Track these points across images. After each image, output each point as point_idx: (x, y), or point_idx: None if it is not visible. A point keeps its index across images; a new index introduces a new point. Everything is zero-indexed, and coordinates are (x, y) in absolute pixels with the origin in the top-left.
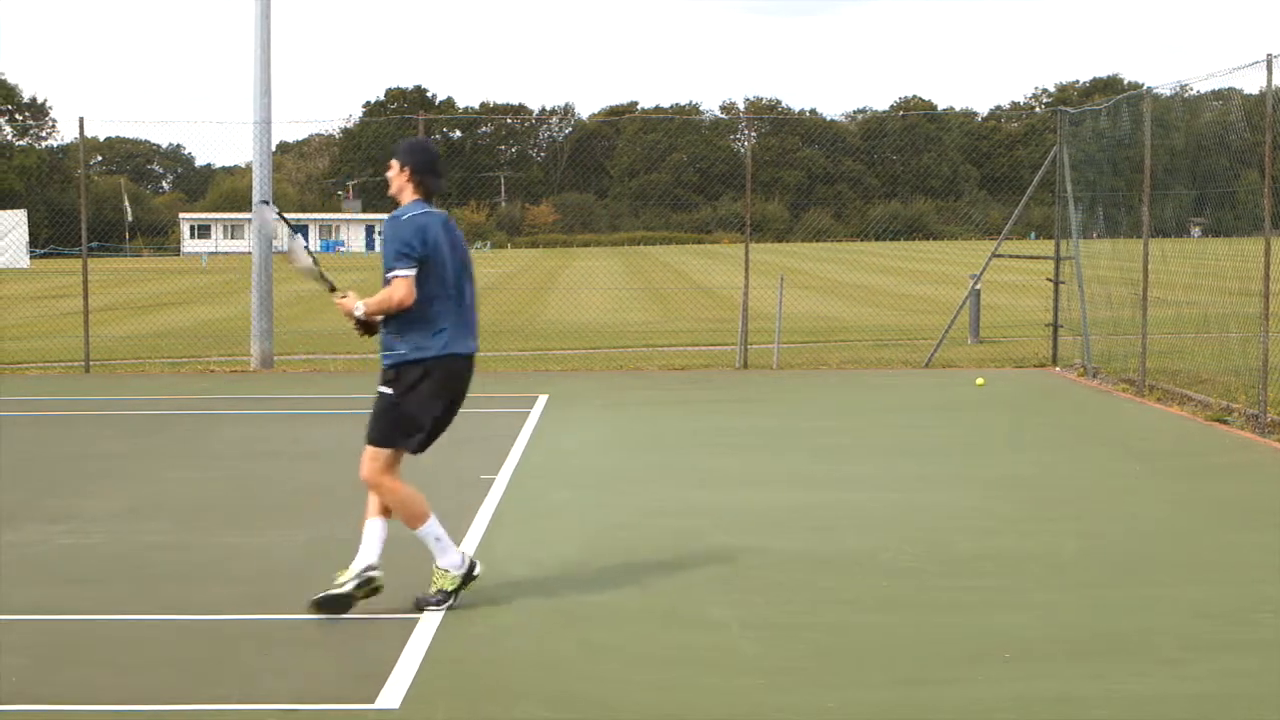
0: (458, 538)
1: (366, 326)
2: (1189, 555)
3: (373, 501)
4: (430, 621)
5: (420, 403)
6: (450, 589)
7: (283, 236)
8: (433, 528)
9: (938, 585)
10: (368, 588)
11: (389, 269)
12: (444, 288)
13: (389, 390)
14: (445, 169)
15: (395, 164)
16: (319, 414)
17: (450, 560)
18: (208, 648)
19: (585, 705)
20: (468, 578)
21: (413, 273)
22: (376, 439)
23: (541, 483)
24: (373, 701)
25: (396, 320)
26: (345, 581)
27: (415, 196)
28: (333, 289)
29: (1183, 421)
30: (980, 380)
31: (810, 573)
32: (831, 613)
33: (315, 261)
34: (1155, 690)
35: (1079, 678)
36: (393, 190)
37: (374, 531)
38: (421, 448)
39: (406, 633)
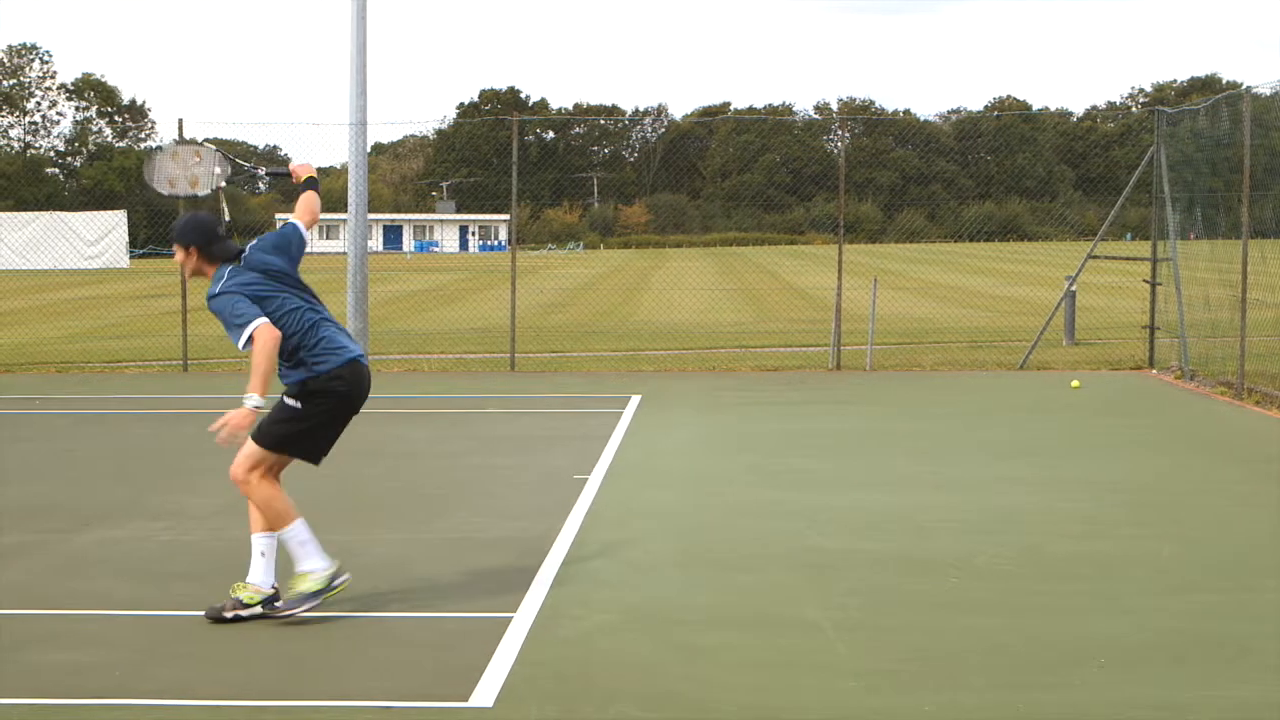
0: (551, 536)
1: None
2: None
3: (254, 516)
4: (523, 621)
5: (289, 429)
6: (315, 589)
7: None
8: (294, 530)
9: (1034, 589)
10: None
11: (238, 334)
12: (303, 319)
13: (283, 401)
14: (221, 233)
15: (179, 249)
16: (413, 413)
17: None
18: (303, 645)
19: (679, 706)
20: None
21: (259, 320)
22: (258, 438)
23: (634, 483)
24: (466, 700)
25: (282, 365)
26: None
27: (214, 267)
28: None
29: None
30: (1076, 383)
31: (905, 575)
32: (927, 616)
33: (227, 164)
34: (1256, 697)
35: (1178, 684)
36: (189, 274)
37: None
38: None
39: (499, 632)
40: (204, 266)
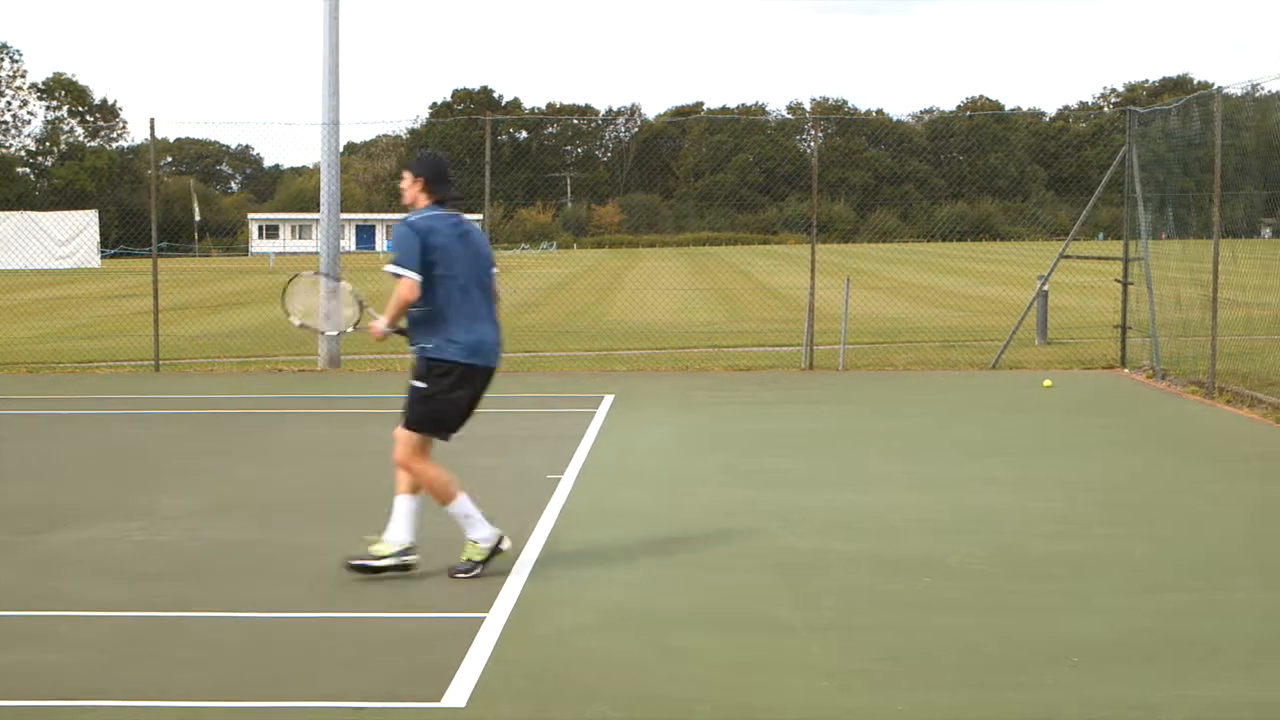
0: (524, 536)
1: (393, 334)
2: (1260, 559)
3: (402, 478)
4: (497, 621)
5: (446, 398)
6: (479, 559)
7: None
8: (462, 505)
9: (1007, 588)
10: (402, 571)
11: (390, 266)
12: (455, 289)
13: (420, 384)
14: (455, 178)
15: (408, 175)
16: (387, 413)
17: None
18: (276, 645)
19: (653, 706)
20: (494, 551)
21: (409, 272)
22: (410, 423)
23: (608, 483)
24: (439, 700)
25: (415, 318)
26: (385, 557)
27: (427, 202)
28: (358, 324)
29: (1253, 424)
30: (1048, 382)
31: (878, 575)
32: (900, 615)
33: (358, 309)
34: (1227, 696)
35: (1150, 683)
36: (407, 200)
37: (405, 507)
38: (447, 436)
39: (473, 632)
40: (420, 199)
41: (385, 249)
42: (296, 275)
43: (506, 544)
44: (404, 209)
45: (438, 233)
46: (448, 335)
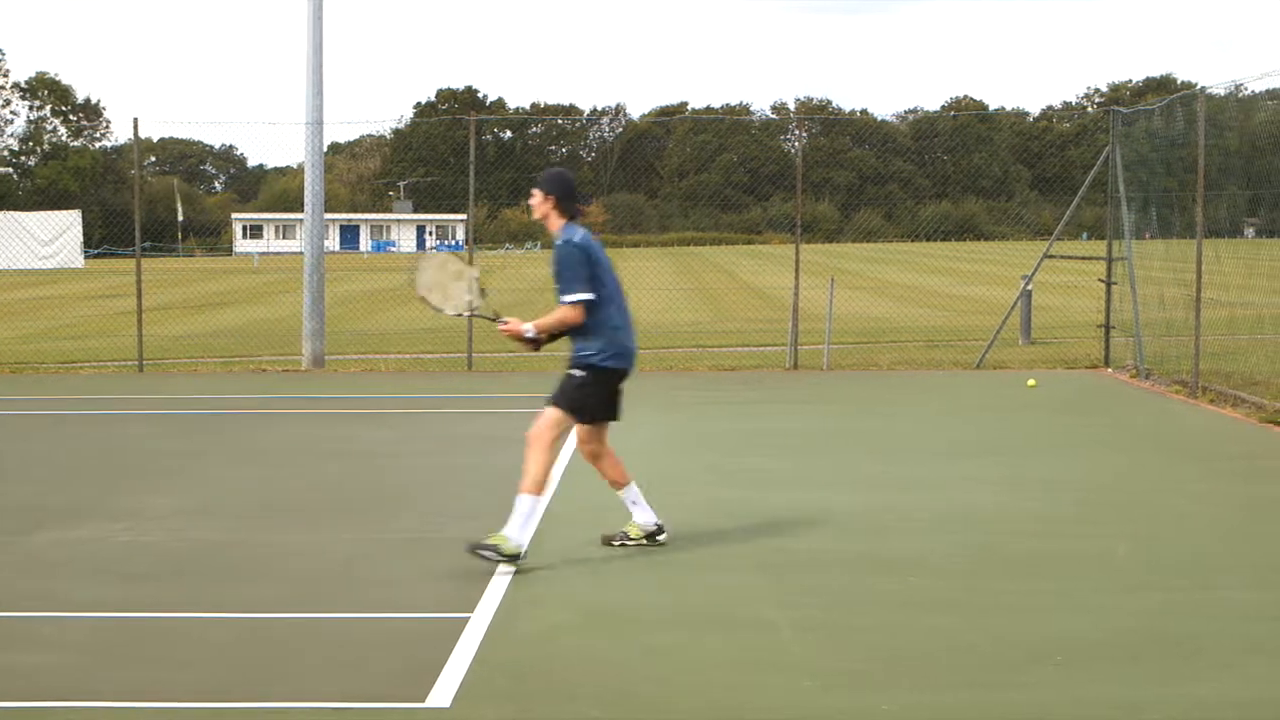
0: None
1: (535, 343)
2: (1244, 558)
3: (611, 469)
4: (481, 621)
5: (597, 394)
6: (505, 554)
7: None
8: (540, 504)
9: (991, 588)
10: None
11: (563, 294)
12: (610, 300)
13: (579, 373)
14: (576, 195)
15: (538, 193)
16: (370, 414)
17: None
18: (260, 646)
19: (637, 706)
20: (517, 557)
21: (584, 295)
22: (559, 404)
23: (592, 482)
24: (423, 700)
25: (577, 331)
26: (635, 538)
27: (563, 221)
28: (496, 318)
29: (1236, 424)
30: (1032, 381)
31: (863, 574)
32: (885, 615)
33: (479, 295)
34: (1212, 694)
35: (1135, 682)
36: (537, 216)
37: (632, 495)
38: (587, 420)
39: (457, 632)
40: (552, 215)
41: (370, 249)
42: (431, 252)
43: (525, 558)
44: (387, 209)
45: (594, 248)
46: (607, 343)
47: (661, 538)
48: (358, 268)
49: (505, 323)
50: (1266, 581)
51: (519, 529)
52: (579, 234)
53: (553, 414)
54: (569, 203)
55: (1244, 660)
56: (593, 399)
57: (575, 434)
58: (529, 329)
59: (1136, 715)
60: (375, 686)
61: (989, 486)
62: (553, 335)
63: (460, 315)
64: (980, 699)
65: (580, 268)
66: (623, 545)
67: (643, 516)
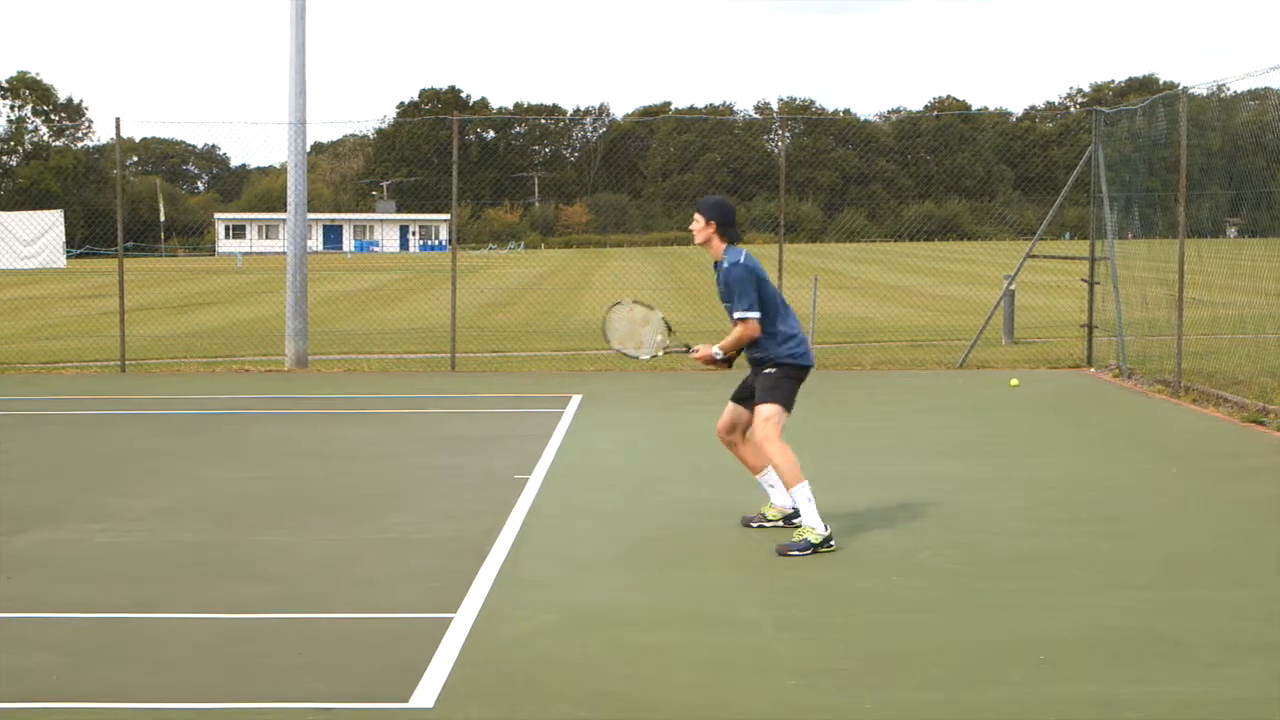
0: (491, 537)
1: (727, 362)
2: (1226, 557)
3: (751, 456)
4: (464, 621)
5: (794, 387)
6: (815, 542)
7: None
8: (809, 487)
9: (974, 586)
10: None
11: (740, 311)
12: (781, 308)
13: (775, 370)
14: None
15: (700, 219)
16: (353, 414)
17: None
18: (242, 646)
19: (620, 706)
20: (825, 542)
21: (755, 314)
22: (771, 401)
23: (575, 483)
24: (407, 700)
25: (761, 341)
26: (815, 544)
27: (724, 244)
28: (687, 349)
29: (1218, 423)
30: (1015, 381)
31: (846, 573)
32: (867, 614)
33: (667, 334)
34: (1194, 693)
35: (1117, 680)
36: (699, 240)
37: (770, 479)
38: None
39: (440, 632)
40: (714, 240)
41: (353, 249)
42: (616, 304)
43: (833, 543)
44: (370, 209)
45: (759, 267)
46: (792, 345)
47: (797, 520)
48: (341, 268)
49: (696, 351)
50: (1248, 580)
51: (813, 516)
52: (743, 255)
53: (768, 410)
54: (729, 228)
55: (1226, 659)
56: (792, 392)
57: (719, 424)
58: (718, 351)
59: (1119, 714)
60: (358, 687)
61: (971, 485)
62: (738, 351)
63: (655, 356)
64: (963, 697)
65: (750, 287)
66: (760, 527)
67: (781, 499)
